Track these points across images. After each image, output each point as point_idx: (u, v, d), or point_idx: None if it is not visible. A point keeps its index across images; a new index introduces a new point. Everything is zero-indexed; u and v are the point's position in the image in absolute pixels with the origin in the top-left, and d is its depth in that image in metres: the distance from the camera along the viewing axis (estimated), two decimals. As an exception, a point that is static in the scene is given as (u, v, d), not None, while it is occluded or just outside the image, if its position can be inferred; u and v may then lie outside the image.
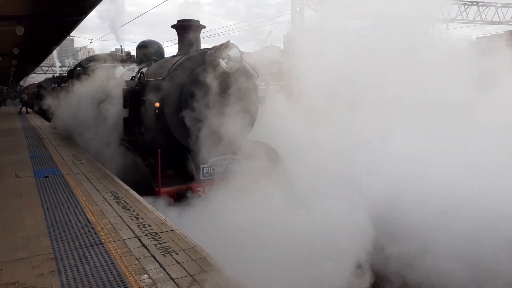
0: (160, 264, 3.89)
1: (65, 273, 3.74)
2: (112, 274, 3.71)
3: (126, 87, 8.15)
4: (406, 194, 6.76)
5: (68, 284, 3.54)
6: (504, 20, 32.77)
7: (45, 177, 7.61)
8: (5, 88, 50.85)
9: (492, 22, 32.65)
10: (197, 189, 6.76)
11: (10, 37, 12.67)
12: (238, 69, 7.12)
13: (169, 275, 3.68)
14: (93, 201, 6.01)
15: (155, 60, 8.96)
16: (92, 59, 12.29)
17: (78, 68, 13.15)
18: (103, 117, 9.33)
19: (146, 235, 4.63)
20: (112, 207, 5.69)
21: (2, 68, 25.16)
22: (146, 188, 6.66)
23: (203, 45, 8.09)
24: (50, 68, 50.76)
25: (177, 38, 8.20)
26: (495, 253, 5.63)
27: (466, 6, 31.06)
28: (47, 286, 3.51)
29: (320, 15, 26.27)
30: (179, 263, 3.92)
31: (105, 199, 6.07)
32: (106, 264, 3.91)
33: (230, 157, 7.12)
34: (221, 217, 5.63)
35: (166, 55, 9.50)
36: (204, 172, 6.96)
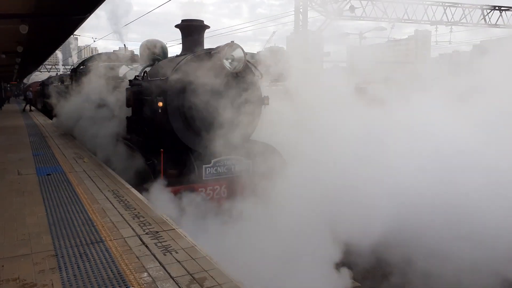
0: (160, 263, 3.90)
1: (65, 270, 3.76)
2: (112, 272, 3.72)
3: (130, 86, 8.17)
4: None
5: (68, 281, 3.56)
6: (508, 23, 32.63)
7: (47, 174, 7.65)
8: (8, 86, 51.01)
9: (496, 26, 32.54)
10: (199, 189, 6.76)
11: (14, 35, 12.71)
12: (242, 69, 7.13)
13: (169, 273, 3.70)
14: (95, 199, 6.03)
15: (159, 60, 8.96)
16: (96, 58, 12.33)
17: (81, 67, 13.18)
18: (105, 116, 9.35)
19: (146, 233, 4.65)
20: (113, 205, 5.72)
21: (6, 66, 25.24)
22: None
23: (207, 45, 8.10)
24: (53, 67, 50.93)
25: (180, 37, 8.21)
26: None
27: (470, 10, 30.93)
28: (48, 283, 3.53)
29: (323, 16, 26.35)
30: (179, 262, 3.94)
31: (107, 198, 6.10)
32: (107, 262, 3.93)
33: (233, 158, 7.11)
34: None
35: (169, 55, 9.49)
36: (207, 172, 6.96)
